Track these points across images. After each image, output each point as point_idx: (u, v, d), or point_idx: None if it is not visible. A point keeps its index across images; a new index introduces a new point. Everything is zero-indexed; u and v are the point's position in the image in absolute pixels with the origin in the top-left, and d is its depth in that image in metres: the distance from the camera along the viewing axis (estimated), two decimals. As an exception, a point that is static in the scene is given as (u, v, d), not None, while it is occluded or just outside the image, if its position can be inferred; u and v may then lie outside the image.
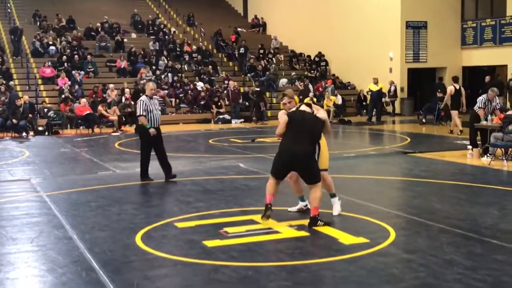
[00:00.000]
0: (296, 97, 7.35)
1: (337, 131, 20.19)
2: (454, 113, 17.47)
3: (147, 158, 10.19)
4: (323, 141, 7.34)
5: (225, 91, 24.29)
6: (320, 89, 25.27)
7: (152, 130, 10.01)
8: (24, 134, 18.82)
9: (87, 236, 6.66)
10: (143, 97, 10.22)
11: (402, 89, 24.51)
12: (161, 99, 21.63)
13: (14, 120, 18.73)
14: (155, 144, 10.16)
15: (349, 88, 26.99)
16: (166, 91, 24.04)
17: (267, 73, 26.61)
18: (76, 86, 23.09)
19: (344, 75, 27.37)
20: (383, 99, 22.03)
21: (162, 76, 25.21)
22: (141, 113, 9.99)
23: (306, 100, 7.26)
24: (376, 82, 21.98)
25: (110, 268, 5.53)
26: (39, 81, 23.79)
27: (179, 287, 5.09)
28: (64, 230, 6.95)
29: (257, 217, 7.35)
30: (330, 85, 25.16)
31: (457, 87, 17.55)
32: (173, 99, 23.96)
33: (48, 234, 6.84)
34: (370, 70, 24.18)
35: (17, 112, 18.90)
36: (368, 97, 23.44)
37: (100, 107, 20.75)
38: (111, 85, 23.03)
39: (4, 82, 22.10)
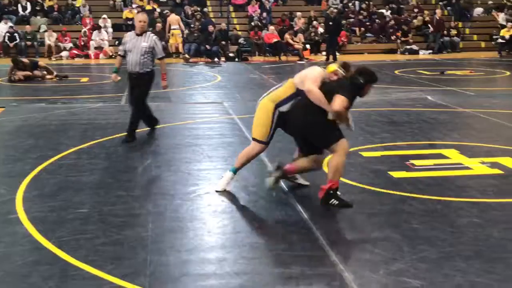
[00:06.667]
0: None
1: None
2: None
3: None
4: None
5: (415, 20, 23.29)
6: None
7: None
8: (216, 59, 19.79)
9: (277, 158, 6.90)
10: None
11: None
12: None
13: (207, 46, 19.73)
14: None
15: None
16: (353, 19, 23.64)
17: (460, 1, 24.91)
18: (265, 14, 23.56)
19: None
20: None
21: (349, 4, 24.74)
22: None
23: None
24: None
25: (297, 189, 5.73)
26: (231, 8, 24.61)
27: (365, 214, 5.13)
28: (255, 152, 7.26)
29: (446, 152, 7.12)
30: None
31: None
32: (357, 28, 23.51)
33: (240, 154, 7.21)
34: None
35: (210, 38, 19.87)
36: None
37: (286, 35, 21.05)
38: (298, 13, 23.16)
39: (199, 9, 23.23)
